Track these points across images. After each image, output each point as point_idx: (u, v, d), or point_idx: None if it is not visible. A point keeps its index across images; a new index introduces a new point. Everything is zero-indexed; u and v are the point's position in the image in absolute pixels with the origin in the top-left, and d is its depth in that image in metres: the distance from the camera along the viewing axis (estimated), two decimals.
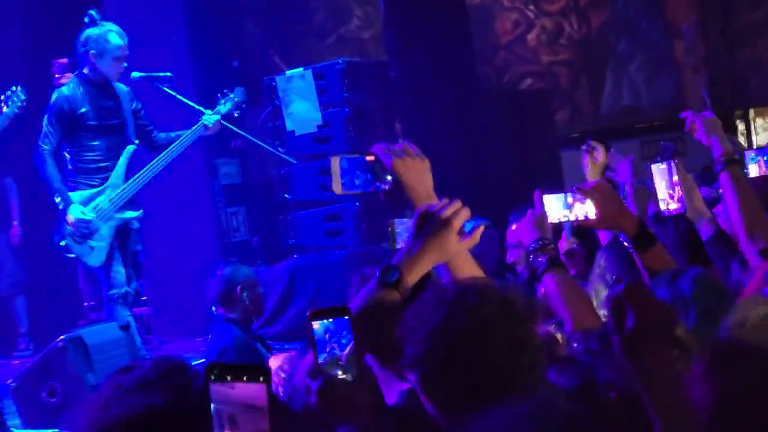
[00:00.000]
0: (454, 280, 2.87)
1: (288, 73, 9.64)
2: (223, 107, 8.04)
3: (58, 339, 7.05)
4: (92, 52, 7.55)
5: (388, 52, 10.00)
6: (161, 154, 7.77)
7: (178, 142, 7.82)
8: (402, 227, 3.87)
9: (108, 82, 7.65)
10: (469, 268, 3.03)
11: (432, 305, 2.52)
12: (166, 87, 8.16)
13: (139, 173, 7.68)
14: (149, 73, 8.12)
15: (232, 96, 8.10)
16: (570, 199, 4.06)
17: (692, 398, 2.21)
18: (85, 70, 7.62)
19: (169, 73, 8.22)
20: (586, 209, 4.01)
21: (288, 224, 9.69)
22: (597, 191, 4.02)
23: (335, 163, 3.26)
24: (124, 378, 2.27)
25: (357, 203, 9.28)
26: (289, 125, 9.53)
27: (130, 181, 7.61)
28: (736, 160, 4.47)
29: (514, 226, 5.68)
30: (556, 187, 8.49)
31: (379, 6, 10.35)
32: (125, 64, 7.67)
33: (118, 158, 7.61)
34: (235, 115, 8.18)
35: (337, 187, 3.28)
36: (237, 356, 6.21)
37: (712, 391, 2.25)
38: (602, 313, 4.14)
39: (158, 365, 2.34)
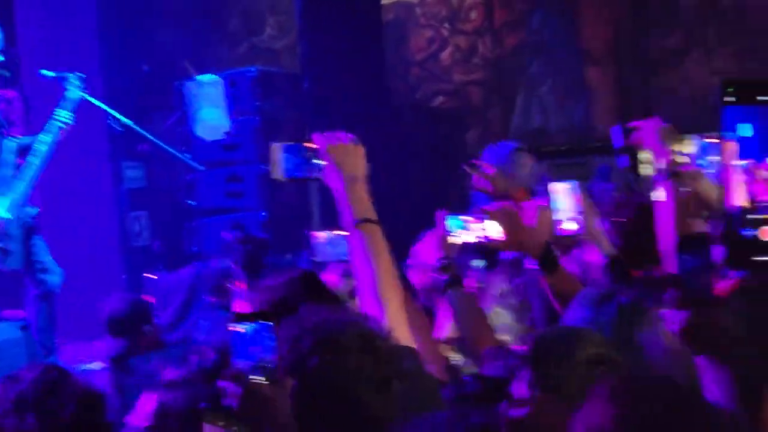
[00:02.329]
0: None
1: (199, 78, 9.82)
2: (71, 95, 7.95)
3: None
4: None
5: (301, 62, 10.21)
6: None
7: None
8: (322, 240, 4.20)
9: None
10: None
11: (298, 334, 2.65)
12: (76, 88, 8.26)
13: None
14: (60, 73, 8.23)
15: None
16: (472, 220, 4.19)
17: (589, 417, 2.29)
18: None
19: (80, 74, 8.33)
20: (491, 230, 4.14)
21: (192, 231, 9.85)
22: (503, 213, 4.16)
23: (275, 149, 3.57)
24: (3, 393, 2.47)
25: (263, 212, 9.48)
26: (198, 131, 9.69)
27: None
28: (679, 173, 4.49)
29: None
30: (465, 206, 8.84)
31: (294, 16, 10.57)
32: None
33: None
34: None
35: (275, 173, 3.59)
36: None
37: (611, 412, 2.28)
38: (503, 338, 4.36)
39: (38, 383, 2.54)
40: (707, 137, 5.26)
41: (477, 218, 4.20)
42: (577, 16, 12.37)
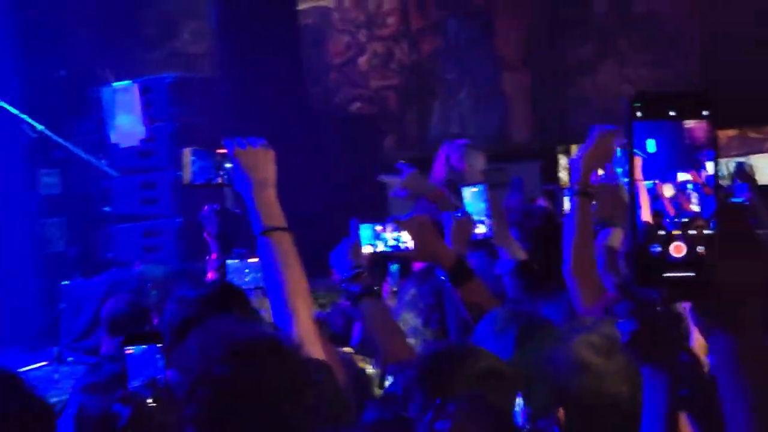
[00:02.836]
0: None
1: (114, 85, 9.80)
2: None
3: None
4: None
5: (217, 68, 10.25)
6: None
7: None
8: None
9: None
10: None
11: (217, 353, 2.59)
12: None
13: None
14: None
15: None
16: (384, 229, 4.16)
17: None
18: None
19: None
20: (401, 239, 4.12)
21: (107, 237, 9.85)
22: (414, 224, 4.13)
23: (185, 154, 3.61)
24: None
25: (179, 219, 9.50)
26: (113, 138, 9.69)
27: None
28: (587, 193, 4.40)
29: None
30: (381, 213, 8.93)
31: (210, 21, 10.60)
32: None
33: None
34: None
35: (186, 177, 3.63)
36: None
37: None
38: (410, 342, 4.38)
39: None
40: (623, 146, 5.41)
41: (391, 227, 4.16)
42: (493, 23, 12.55)
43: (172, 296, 3.92)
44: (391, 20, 12.79)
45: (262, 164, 3.53)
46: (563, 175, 12.57)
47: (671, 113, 1.66)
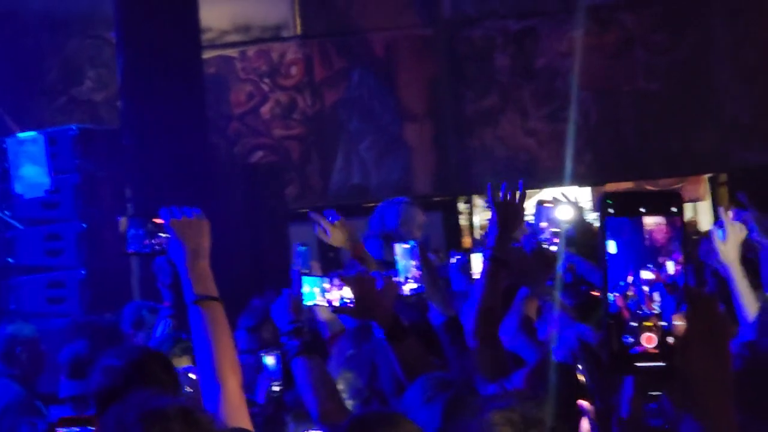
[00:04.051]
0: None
1: (20, 136, 9.78)
2: None
3: None
4: None
5: (121, 118, 10.25)
6: None
7: None
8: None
9: None
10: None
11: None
12: None
13: None
14: None
15: None
16: (327, 285, 4.23)
17: None
18: None
19: None
20: (343, 295, 4.18)
21: (9, 289, 9.80)
22: (357, 280, 4.18)
23: (122, 223, 3.74)
24: None
25: (83, 271, 9.50)
26: (18, 188, 9.66)
27: None
28: (501, 260, 4.46)
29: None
30: (284, 262, 9.04)
31: (113, 69, 10.61)
32: None
33: None
34: None
35: (123, 246, 3.75)
36: (17, 413, 6.47)
37: None
38: (349, 403, 4.42)
39: None
40: (547, 202, 5.59)
41: (332, 283, 4.22)
42: (396, 74, 12.76)
43: (97, 365, 3.94)
44: (294, 70, 12.93)
45: (196, 234, 3.66)
46: (463, 222, 12.84)
47: (642, 210, 1.77)
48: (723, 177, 13.23)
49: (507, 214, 4.59)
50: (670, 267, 1.76)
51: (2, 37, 12.12)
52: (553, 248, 5.19)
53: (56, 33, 12.70)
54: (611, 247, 1.78)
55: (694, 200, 13.90)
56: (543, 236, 5.30)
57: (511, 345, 4.65)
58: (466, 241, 12.56)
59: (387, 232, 6.84)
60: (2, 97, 11.00)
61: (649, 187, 13.24)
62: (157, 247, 3.88)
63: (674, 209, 1.77)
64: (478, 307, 4.38)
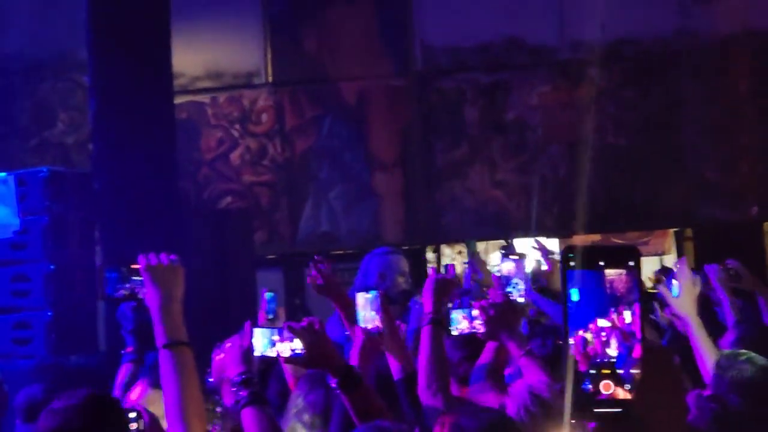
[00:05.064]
0: None
1: None
2: None
3: None
4: None
5: (92, 162, 10.28)
6: None
7: None
8: None
9: None
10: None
11: None
12: None
13: None
14: None
15: None
16: (276, 336, 4.29)
17: None
18: None
19: None
20: (294, 346, 4.22)
21: None
22: (307, 331, 4.22)
23: (101, 270, 3.86)
24: None
25: (49, 312, 9.51)
26: None
27: None
28: (441, 321, 4.73)
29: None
30: (251, 308, 9.09)
31: (85, 112, 10.67)
32: None
33: None
34: None
35: (102, 293, 3.86)
36: None
37: None
38: None
39: None
40: (508, 253, 5.68)
41: (282, 335, 4.26)
42: (367, 124, 12.89)
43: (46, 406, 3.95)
44: (265, 117, 13.04)
45: (171, 280, 3.79)
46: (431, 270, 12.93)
47: (600, 263, 1.88)
48: (689, 231, 13.42)
49: (442, 285, 4.84)
50: (627, 317, 1.85)
51: None
52: (521, 300, 5.30)
53: (29, 75, 12.78)
54: (573, 296, 1.88)
55: (660, 254, 14.08)
56: (510, 288, 5.37)
57: (478, 395, 4.74)
58: None
59: (369, 284, 6.89)
60: None
61: (615, 240, 13.42)
62: (125, 292, 3.97)
63: (631, 263, 1.87)
64: (423, 367, 4.54)
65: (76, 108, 12.61)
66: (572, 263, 1.88)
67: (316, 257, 5.53)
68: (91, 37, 9.84)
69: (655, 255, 14.20)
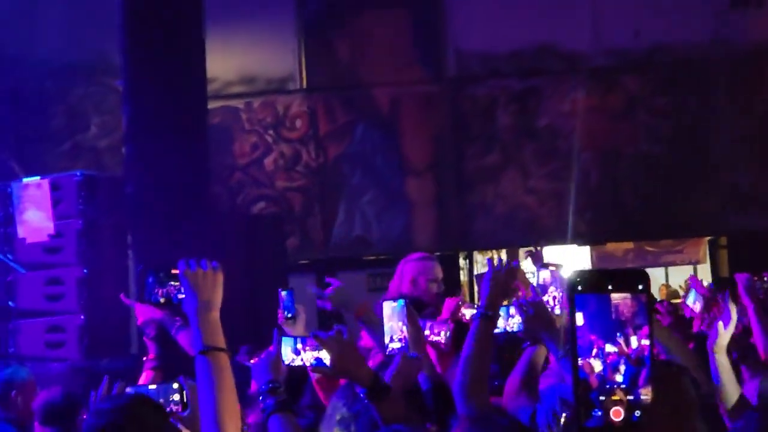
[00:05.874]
0: None
1: (24, 180, 9.90)
2: None
3: None
4: None
5: (125, 166, 10.34)
6: None
7: None
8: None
9: None
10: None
11: None
12: None
13: None
14: None
15: None
16: (300, 345, 4.21)
17: None
18: None
19: None
20: (321, 356, 4.14)
21: (9, 332, 9.88)
22: (334, 341, 4.14)
23: (142, 273, 3.90)
24: None
25: (82, 316, 9.58)
26: (21, 232, 9.77)
27: None
28: (490, 316, 4.55)
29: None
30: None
31: (118, 115, 10.72)
32: None
33: None
34: None
35: (141, 296, 3.88)
36: None
37: None
38: None
39: None
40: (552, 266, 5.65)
41: (311, 344, 4.20)
42: (399, 129, 12.93)
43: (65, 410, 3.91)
44: (299, 123, 13.10)
45: (210, 286, 3.74)
46: (463, 277, 12.96)
47: (609, 287, 1.87)
48: (723, 240, 13.36)
49: (500, 279, 4.69)
50: (635, 341, 1.85)
51: (8, 83, 12.30)
52: (557, 311, 5.26)
53: (62, 80, 12.88)
54: (579, 320, 1.87)
55: (694, 263, 14.04)
56: (546, 297, 5.34)
57: (513, 405, 4.66)
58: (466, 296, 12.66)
59: (402, 290, 6.87)
60: (7, 142, 11.12)
61: (648, 248, 13.39)
62: (161, 298, 4.00)
63: (640, 287, 1.87)
64: (466, 363, 4.45)
65: (108, 112, 12.69)
66: (579, 288, 1.88)
67: (326, 279, 5.51)
68: (125, 41, 9.89)
69: (689, 264, 14.15)
